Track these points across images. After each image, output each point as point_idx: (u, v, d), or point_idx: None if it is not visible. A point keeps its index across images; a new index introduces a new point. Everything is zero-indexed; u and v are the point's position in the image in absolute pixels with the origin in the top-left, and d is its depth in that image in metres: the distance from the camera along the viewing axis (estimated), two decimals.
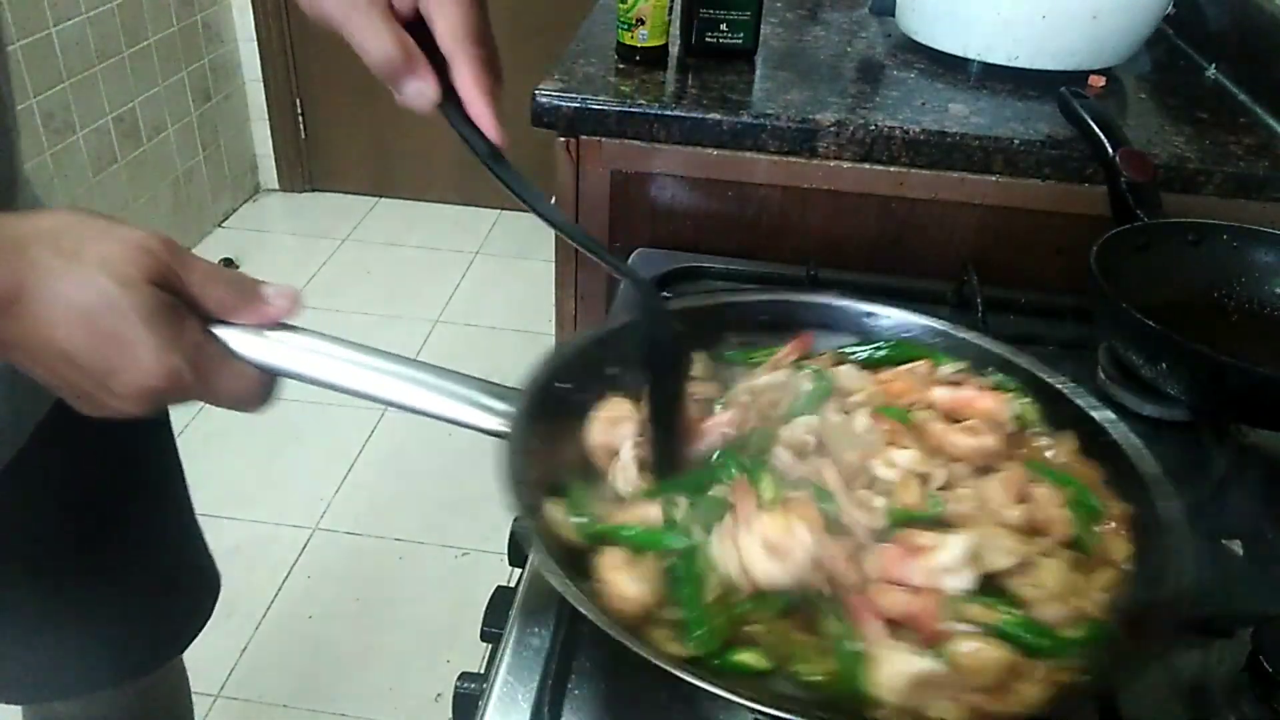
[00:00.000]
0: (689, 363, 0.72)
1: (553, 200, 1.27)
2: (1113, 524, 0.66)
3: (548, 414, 0.69)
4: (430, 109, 0.60)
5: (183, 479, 1.05)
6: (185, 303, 0.53)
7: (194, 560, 1.09)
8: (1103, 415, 0.71)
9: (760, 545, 0.57)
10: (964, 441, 0.71)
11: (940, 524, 0.65)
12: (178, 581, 1.05)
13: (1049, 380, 0.75)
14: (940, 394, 0.77)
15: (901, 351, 0.82)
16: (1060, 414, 0.74)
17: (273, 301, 0.56)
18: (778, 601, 0.57)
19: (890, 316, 0.83)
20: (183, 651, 1.09)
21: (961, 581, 0.58)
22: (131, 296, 0.49)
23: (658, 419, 0.66)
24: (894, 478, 0.66)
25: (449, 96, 0.61)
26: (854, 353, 0.82)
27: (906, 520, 0.64)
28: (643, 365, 0.67)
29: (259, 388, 0.57)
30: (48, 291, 0.49)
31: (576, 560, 0.61)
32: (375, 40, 0.57)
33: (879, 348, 0.82)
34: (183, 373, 0.52)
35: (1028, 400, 0.76)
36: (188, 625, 1.06)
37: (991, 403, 0.75)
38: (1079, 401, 0.73)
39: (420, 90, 0.59)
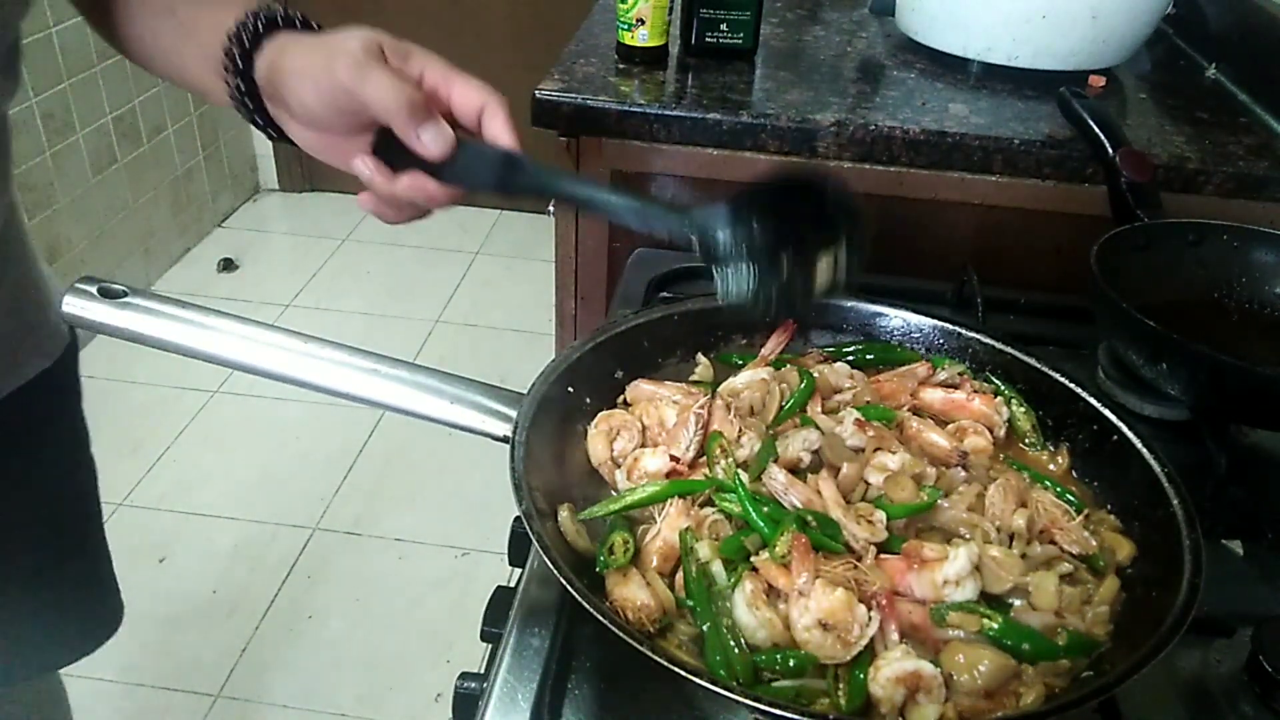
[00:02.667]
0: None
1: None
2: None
3: (553, 419, 0.69)
4: (444, 153, 0.62)
5: (98, 509, 1.05)
6: None
7: (96, 591, 1.08)
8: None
9: (815, 620, 0.56)
10: (943, 442, 0.71)
11: (942, 532, 0.65)
12: (74, 603, 1.05)
13: (1060, 379, 0.75)
14: (932, 396, 0.77)
15: (892, 353, 0.82)
16: (1074, 414, 0.74)
17: None
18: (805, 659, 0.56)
19: (899, 317, 0.83)
20: (65, 666, 1.08)
21: (964, 593, 0.58)
22: None
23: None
24: (884, 480, 0.67)
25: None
26: (846, 352, 0.82)
27: (906, 514, 0.64)
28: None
29: None
30: None
31: (585, 566, 0.62)
32: (395, 88, 0.60)
33: (871, 347, 0.82)
34: None
35: (1024, 410, 0.76)
36: (77, 646, 1.07)
37: (983, 406, 0.75)
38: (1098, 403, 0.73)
39: (439, 131, 0.62)
